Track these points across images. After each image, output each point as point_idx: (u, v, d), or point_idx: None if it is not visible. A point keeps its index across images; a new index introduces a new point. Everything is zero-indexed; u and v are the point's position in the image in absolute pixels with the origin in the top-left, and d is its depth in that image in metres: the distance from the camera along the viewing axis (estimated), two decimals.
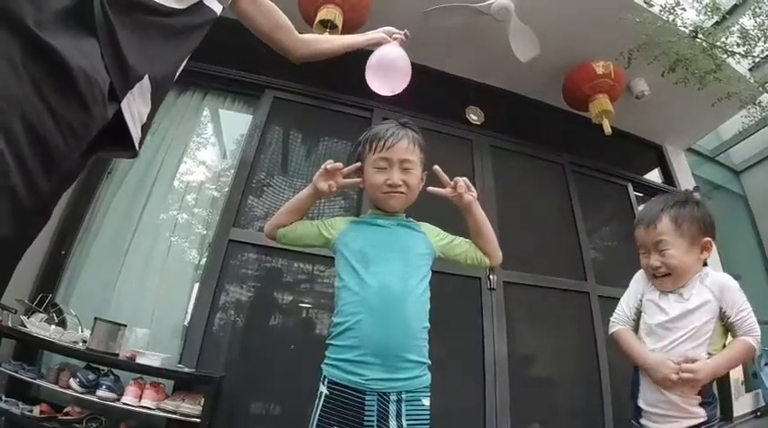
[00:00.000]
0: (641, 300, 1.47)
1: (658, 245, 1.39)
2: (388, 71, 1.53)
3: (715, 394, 1.36)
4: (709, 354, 1.30)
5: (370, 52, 1.53)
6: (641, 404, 1.39)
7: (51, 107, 0.54)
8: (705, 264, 1.45)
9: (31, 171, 0.53)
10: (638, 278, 1.52)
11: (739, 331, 1.31)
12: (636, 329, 1.47)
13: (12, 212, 0.52)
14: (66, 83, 0.56)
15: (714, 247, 1.44)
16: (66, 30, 0.56)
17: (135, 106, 0.70)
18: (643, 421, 1.37)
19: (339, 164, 1.34)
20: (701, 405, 1.30)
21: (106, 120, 0.64)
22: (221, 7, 0.85)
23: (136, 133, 0.73)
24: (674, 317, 1.35)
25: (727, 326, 1.33)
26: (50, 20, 0.55)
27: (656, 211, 1.42)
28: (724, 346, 1.33)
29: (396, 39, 1.56)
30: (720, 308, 1.33)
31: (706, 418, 1.30)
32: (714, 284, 1.36)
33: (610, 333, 1.53)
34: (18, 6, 0.52)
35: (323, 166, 1.33)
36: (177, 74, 0.82)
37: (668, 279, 1.39)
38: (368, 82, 1.52)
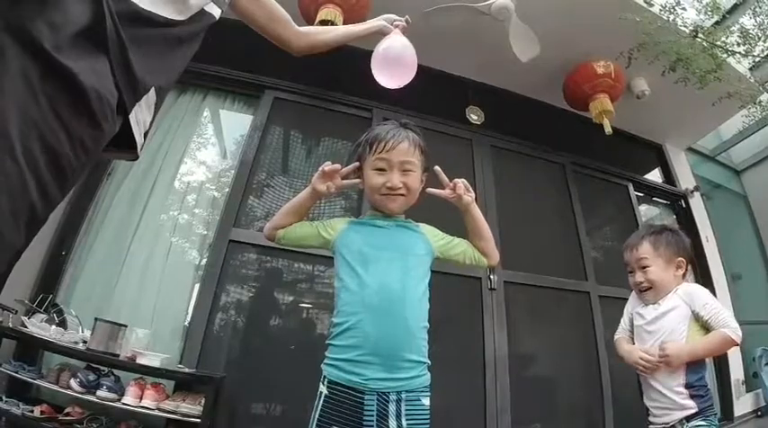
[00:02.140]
0: (632, 314, 1.76)
1: (640, 263, 1.69)
2: (394, 63, 1.48)
3: (707, 387, 1.55)
4: None
5: (370, 51, 1.51)
6: (646, 402, 1.62)
7: (66, 126, 0.57)
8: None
9: (48, 186, 0.57)
10: (631, 297, 1.81)
11: (715, 326, 1.52)
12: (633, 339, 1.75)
13: (27, 225, 0.56)
14: (79, 102, 0.59)
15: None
16: (80, 51, 0.59)
17: (141, 116, 0.74)
18: (650, 418, 1.60)
19: (337, 166, 1.34)
20: (691, 397, 1.50)
21: (114, 133, 0.67)
22: (220, 11, 0.86)
23: (140, 140, 0.77)
24: (650, 321, 1.64)
25: (704, 326, 1.55)
26: (66, 42, 0.58)
27: (638, 238, 1.75)
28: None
29: (397, 26, 1.52)
30: (693, 311, 1.57)
31: (697, 409, 1.49)
32: (684, 292, 1.62)
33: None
34: (37, 31, 0.55)
35: (320, 168, 1.33)
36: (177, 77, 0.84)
37: (650, 292, 1.67)
38: (374, 74, 1.50)
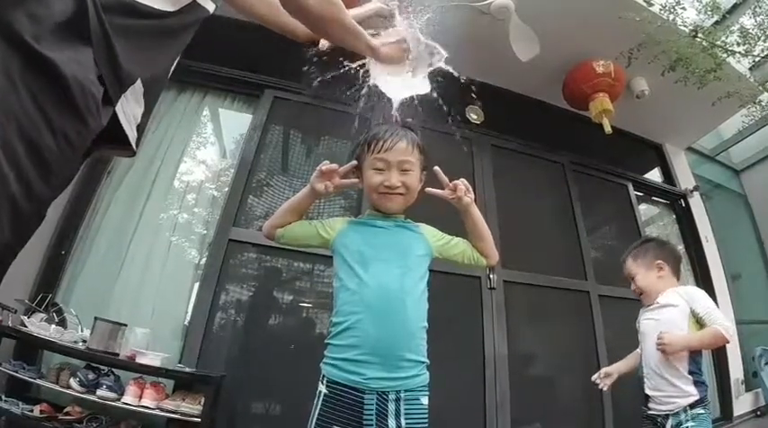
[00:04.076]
0: (638, 323, 2.01)
1: (630, 275, 2.02)
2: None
3: (704, 374, 1.80)
4: None
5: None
6: (648, 392, 1.84)
7: (48, 119, 0.56)
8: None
9: (30, 179, 0.56)
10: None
11: (708, 322, 1.76)
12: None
13: (11, 218, 0.54)
14: (62, 95, 0.57)
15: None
16: (63, 42, 0.58)
17: (129, 108, 0.72)
18: (651, 404, 1.82)
19: (334, 165, 1.34)
20: (695, 384, 1.74)
21: (101, 127, 0.66)
22: (214, 6, 0.85)
23: (132, 133, 0.75)
24: (652, 316, 1.91)
25: (700, 322, 1.78)
26: (48, 33, 0.57)
27: (625, 256, 2.07)
28: None
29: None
30: (692, 309, 1.80)
31: (698, 397, 1.73)
32: (684, 292, 1.86)
33: None
34: (16, 22, 0.54)
35: (318, 167, 1.33)
36: (170, 72, 0.83)
37: (644, 296, 1.98)
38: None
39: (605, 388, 2.05)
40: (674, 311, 1.82)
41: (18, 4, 0.55)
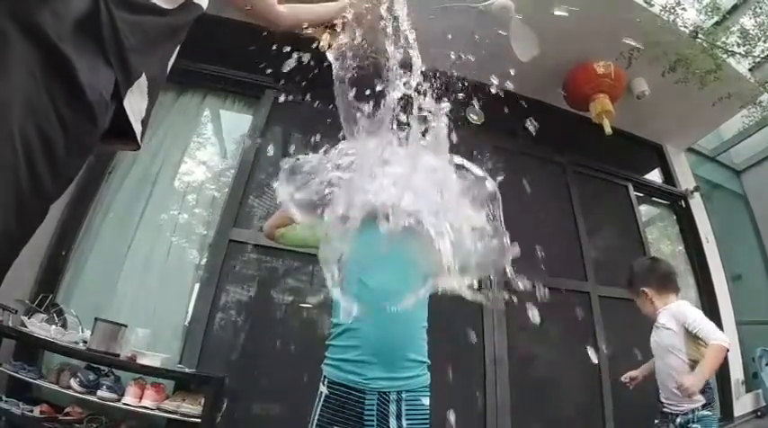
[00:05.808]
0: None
1: None
2: None
3: (710, 383, 1.93)
4: (691, 360, 1.89)
5: None
6: (662, 400, 2.01)
7: (63, 119, 0.58)
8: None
9: (42, 178, 0.57)
10: None
11: (704, 338, 1.86)
12: None
13: (17, 209, 0.56)
14: (77, 96, 0.59)
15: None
16: (79, 41, 0.60)
17: (135, 102, 0.74)
18: (665, 403, 1.99)
19: None
20: (702, 392, 1.86)
21: (106, 127, 0.68)
22: (207, 2, 0.87)
23: (138, 127, 0.77)
24: (656, 331, 2.06)
25: (695, 338, 1.89)
26: (67, 32, 0.58)
27: None
28: (697, 351, 1.91)
29: None
30: (685, 328, 1.92)
31: (705, 401, 1.89)
32: (676, 312, 1.99)
33: None
34: (42, 19, 0.55)
35: None
36: (169, 68, 0.85)
37: (648, 317, 2.14)
38: None
39: (631, 387, 2.22)
40: (670, 334, 1.97)
41: (43, 2, 0.56)
